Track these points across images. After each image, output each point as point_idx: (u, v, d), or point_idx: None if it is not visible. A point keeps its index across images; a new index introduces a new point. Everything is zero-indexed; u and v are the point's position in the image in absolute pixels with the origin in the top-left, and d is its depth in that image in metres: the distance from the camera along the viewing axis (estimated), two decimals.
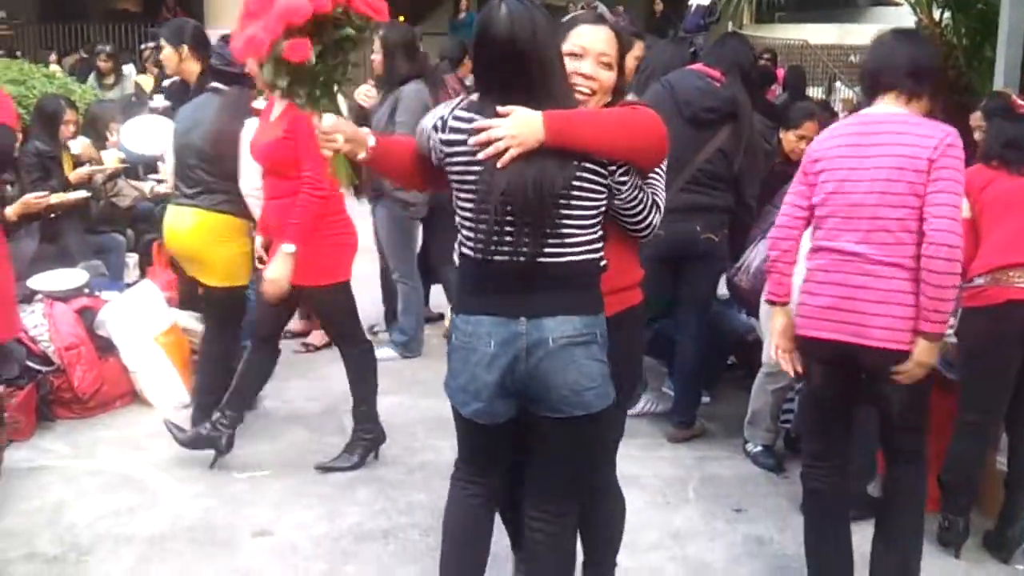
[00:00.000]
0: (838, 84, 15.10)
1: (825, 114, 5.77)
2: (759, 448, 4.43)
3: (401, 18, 17.19)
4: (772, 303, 3.24)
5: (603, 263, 2.51)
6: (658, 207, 2.62)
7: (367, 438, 4.30)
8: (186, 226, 4.39)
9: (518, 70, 2.38)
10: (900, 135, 2.92)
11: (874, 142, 2.96)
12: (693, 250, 4.37)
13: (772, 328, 3.29)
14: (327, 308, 4.26)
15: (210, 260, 4.41)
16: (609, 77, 2.61)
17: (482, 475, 2.73)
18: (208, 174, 4.34)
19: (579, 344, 2.44)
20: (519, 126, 2.33)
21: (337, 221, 4.06)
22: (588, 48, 2.58)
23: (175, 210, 4.47)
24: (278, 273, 3.88)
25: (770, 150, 5.24)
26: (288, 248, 3.86)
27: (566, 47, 2.57)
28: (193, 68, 5.02)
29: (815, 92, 14.11)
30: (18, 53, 15.78)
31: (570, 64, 2.55)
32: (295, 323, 5.93)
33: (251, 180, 4.24)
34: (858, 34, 19.74)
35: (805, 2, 21.12)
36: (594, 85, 2.58)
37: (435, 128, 2.50)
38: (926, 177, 2.83)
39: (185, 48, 5.02)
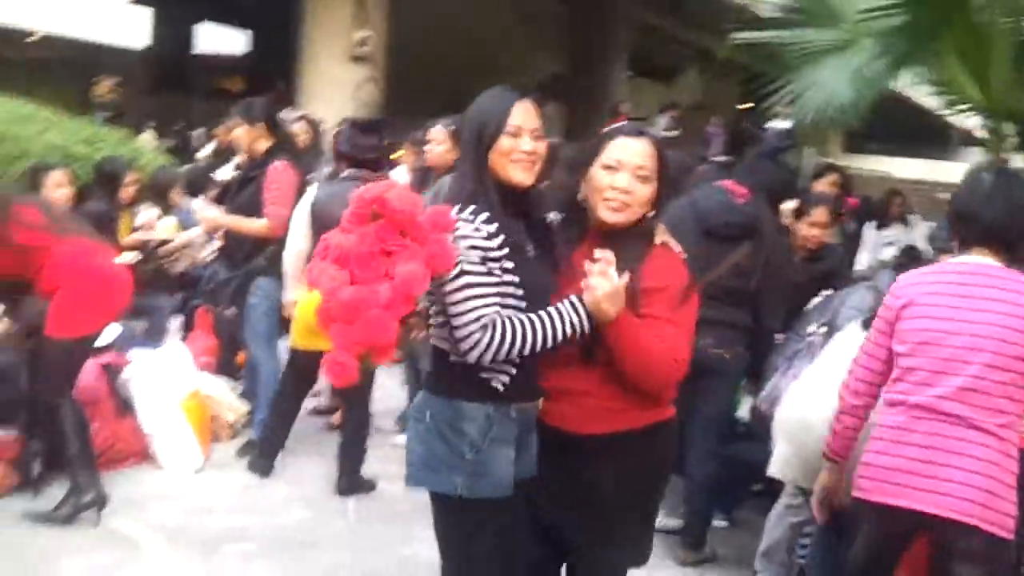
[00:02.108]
0: (913, 217, 14.90)
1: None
2: None
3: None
4: (828, 458, 3.09)
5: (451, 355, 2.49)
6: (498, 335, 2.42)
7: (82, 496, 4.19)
8: None
9: None
10: (1008, 292, 2.73)
11: (977, 295, 2.75)
12: (704, 365, 4.24)
13: (819, 484, 3.16)
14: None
15: None
16: (645, 191, 2.59)
17: None
18: None
19: (414, 419, 2.57)
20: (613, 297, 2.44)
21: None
22: (624, 161, 2.56)
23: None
24: None
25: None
26: None
27: (603, 159, 2.59)
28: (263, 145, 5.20)
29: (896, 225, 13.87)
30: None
31: (605, 177, 2.57)
32: (326, 400, 5.92)
33: None
34: (946, 170, 19.56)
35: (898, 136, 21.03)
36: (628, 199, 2.56)
37: None
38: None
39: (263, 127, 5.22)
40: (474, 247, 2.40)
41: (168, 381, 4.97)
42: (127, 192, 6.13)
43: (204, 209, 5.68)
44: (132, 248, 6.08)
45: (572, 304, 2.45)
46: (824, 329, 4.23)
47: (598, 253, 2.44)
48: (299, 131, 7.07)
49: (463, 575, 2.60)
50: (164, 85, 19.63)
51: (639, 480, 2.65)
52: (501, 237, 2.43)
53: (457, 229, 2.40)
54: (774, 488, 4.83)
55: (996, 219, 2.81)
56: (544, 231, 2.64)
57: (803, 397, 3.77)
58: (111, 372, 4.94)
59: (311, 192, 4.89)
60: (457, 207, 2.45)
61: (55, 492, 4.36)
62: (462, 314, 2.40)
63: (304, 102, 13.06)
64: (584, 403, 2.57)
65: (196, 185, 7.53)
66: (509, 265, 2.44)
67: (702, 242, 4.27)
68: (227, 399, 5.44)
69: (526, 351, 2.43)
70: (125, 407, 4.90)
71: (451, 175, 5.27)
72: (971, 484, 2.64)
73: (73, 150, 6.50)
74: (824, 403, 3.52)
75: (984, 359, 2.67)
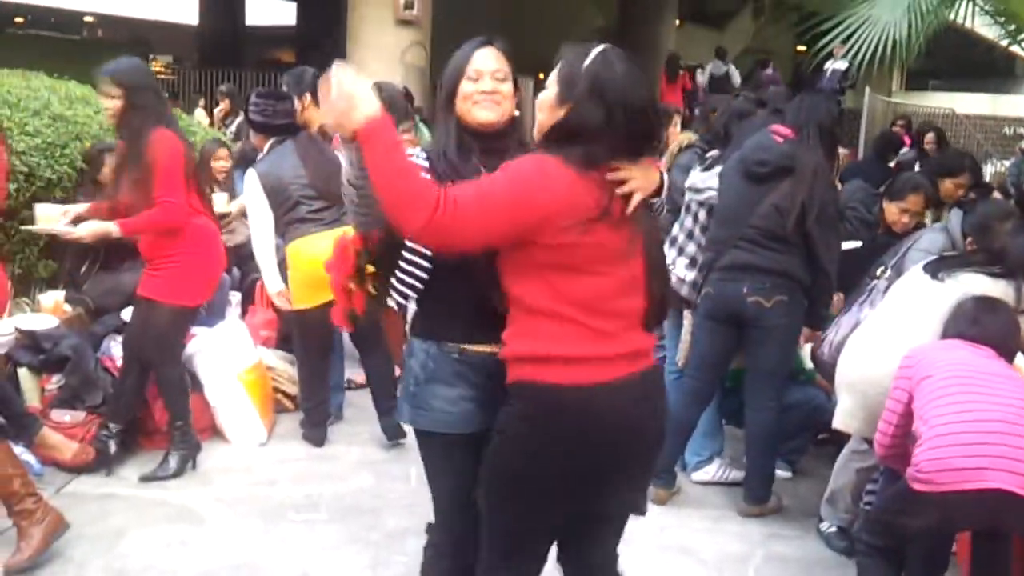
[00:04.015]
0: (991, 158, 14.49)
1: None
2: (834, 529, 4.20)
3: (542, 75, 17.48)
4: None
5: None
6: None
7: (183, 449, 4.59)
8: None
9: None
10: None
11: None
12: (744, 314, 4.18)
13: None
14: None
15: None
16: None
17: None
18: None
19: None
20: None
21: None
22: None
23: (341, 231, 4.75)
24: (87, 230, 4.28)
25: (870, 220, 5.04)
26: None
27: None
28: (315, 116, 5.27)
29: None
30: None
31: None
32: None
33: None
34: (1011, 104, 18.96)
35: (960, 71, 20.46)
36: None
37: None
38: None
39: (308, 97, 5.28)
40: None
41: (229, 356, 5.03)
42: None
43: None
44: None
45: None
46: (889, 273, 4.15)
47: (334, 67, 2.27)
48: None
49: (431, 490, 2.77)
50: (216, 60, 19.76)
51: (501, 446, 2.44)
52: (424, 165, 2.54)
53: None
54: (837, 437, 4.79)
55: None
56: None
57: (865, 347, 3.70)
58: None
59: (252, 176, 4.88)
60: None
61: (126, 472, 4.50)
62: None
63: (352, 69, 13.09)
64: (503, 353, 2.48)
65: (248, 157, 7.55)
66: None
67: (742, 184, 4.21)
68: (288, 371, 5.50)
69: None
70: (191, 383, 4.97)
71: None
72: None
73: None
74: (886, 354, 3.49)
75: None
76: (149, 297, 4.39)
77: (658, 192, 2.47)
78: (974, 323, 3.32)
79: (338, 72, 2.24)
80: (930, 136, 10.09)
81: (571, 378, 2.33)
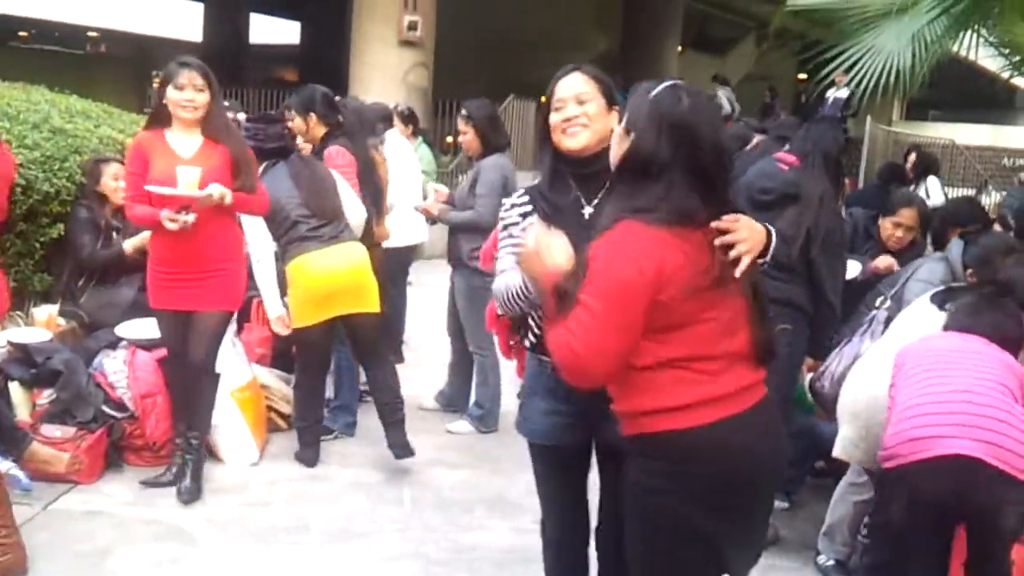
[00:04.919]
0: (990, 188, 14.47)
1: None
2: (831, 562, 4.14)
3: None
4: None
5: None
6: None
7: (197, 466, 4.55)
8: (361, 257, 4.87)
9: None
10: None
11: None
12: None
13: None
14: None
15: (373, 284, 4.90)
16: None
17: None
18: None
19: None
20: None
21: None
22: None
23: (341, 247, 4.82)
24: (218, 191, 4.13)
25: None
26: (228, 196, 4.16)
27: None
28: (320, 133, 5.30)
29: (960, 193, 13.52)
30: None
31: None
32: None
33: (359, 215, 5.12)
34: (1012, 136, 19.01)
35: (962, 102, 20.53)
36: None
37: None
38: None
39: (314, 116, 5.29)
40: (501, 218, 2.85)
41: (224, 374, 4.97)
42: None
43: None
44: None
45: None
46: (889, 303, 4.12)
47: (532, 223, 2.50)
48: None
49: (538, 494, 3.02)
50: (219, 77, 19.79)
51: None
52: (527, 208, 2.76)
53: None
54: (835, 468, 4.74)
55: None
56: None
57: (869, 377, 3.66)
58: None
59: None
60: None
61: (113, 489, 4.46)
62: None
63: (354, 88, 13.12)
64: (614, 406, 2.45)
65: None
66: None
67: (749, 214, 4.17)
68: (283, 390, 5.45)
69: (511, 306, 2.73)
70: None
71: (485, 159, 5.35)
72: None
73: (127, 143, 6.52)
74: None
75: None
76: (194, 310, 4.38)
77: (766, 250, 2.43)
78: (971, 315, 3.37)
79: (535, 229, 2.38)
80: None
81: (688, 422, 2.26)
